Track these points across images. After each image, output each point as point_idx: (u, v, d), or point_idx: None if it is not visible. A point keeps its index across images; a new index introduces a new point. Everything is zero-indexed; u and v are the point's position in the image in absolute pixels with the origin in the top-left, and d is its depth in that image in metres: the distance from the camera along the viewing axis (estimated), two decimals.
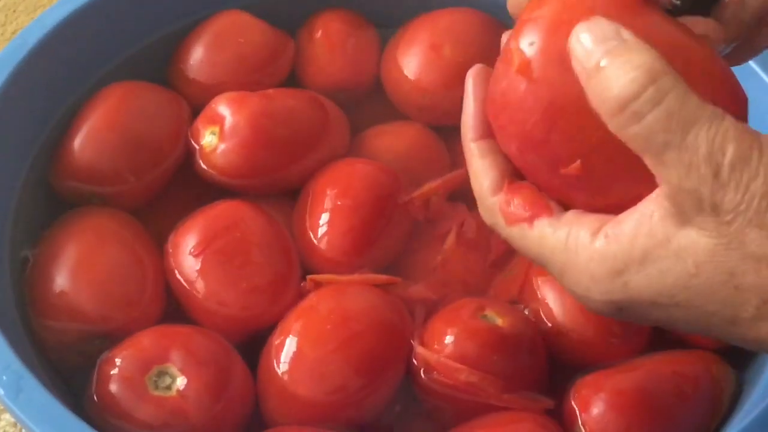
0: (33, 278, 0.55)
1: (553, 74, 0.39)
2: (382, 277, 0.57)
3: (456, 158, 0.63)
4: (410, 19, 0.69)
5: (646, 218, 0.37)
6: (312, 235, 0.58)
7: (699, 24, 0.41)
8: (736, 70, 0.42)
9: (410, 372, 0.54)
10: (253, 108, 0.60)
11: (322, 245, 0.58)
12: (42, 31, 0.61)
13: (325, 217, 0.58)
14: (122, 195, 0.60)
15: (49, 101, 0.62)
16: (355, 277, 0.57)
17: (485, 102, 0.43)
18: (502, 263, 0.59)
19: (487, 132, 0.43)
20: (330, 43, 0.68)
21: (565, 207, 0.42)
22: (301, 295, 0.56)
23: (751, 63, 0.57)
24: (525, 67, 0.40)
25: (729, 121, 0.35)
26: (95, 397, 0.51)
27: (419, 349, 0.53)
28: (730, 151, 0.35)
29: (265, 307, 0.55)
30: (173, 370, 0.51)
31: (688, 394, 0.52)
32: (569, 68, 0.38)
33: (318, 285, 0.56)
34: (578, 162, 0.39)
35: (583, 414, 0.51)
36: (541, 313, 0.56)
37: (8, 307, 0.53)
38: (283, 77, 0.68)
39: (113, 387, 0.50)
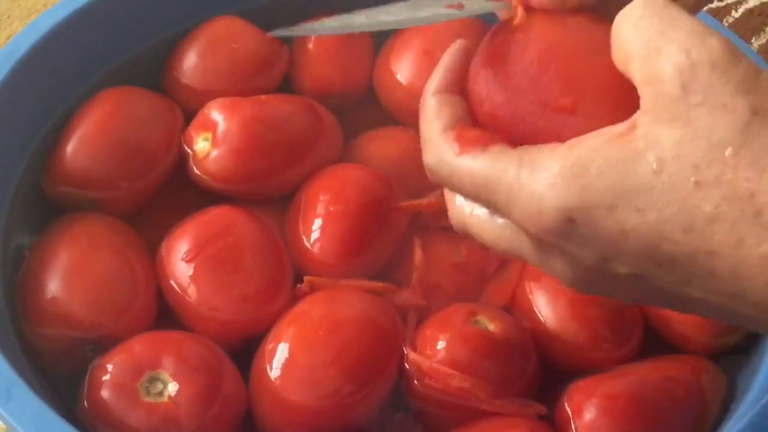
0: (25, 284, 0.55)
1: (548, 24, 0.41)
2: (378, 284, 0.57)
3: None
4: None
5: (608, 131, 0.37)
6: (305, 240, 0.58)
7: None
8: None
9: (402, 377, 0.54)
10: (245, 114, 0.60)
11: (315, 250, 0.58)
12: (35, 37, 0.61)
13: (317, 223, 0.59)
14: (115, 201, 0.60)
15: (42, 107, 0.62)
16: (351, 282, 0.57)
17: (471, 64, 0.43)
18: (495, 271, 0.59)
19: (449, 89, 0.43)
20: (323, 49, 0.68)
21: None
22: (296, 298, 0.56)
23: None
24: (522, 21, 0.41)
25: (714, 35, 0.36)
26: (86, 404, 0.51)
27: (411, 355, 0.53)
28: (712, 38, 0.35)
29: (258, 312, 0.55)
30: (165, 376, 0.51)
31: (679, 399, 0.52)
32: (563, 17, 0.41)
33: (314, 287, 0.56)
34: (571, 99, 0.40)
35: (575, 419, 0.51)
36: (533, 319, 0.56)
37: (0, 313, 0.53)
38: (277, 83, 0.68)
39: (105, 393, 0.50)
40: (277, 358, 0.52)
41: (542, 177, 0.37)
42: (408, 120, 0.66)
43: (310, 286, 0.56)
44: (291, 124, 0.62)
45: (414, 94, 0.65)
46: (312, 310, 0.54)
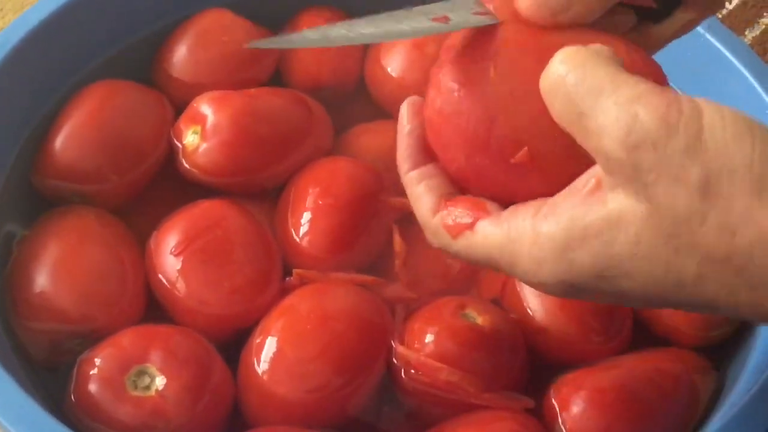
0: (13, 278, 0.55)
1: (481, 77, 0.41)
2: (367, 278, 0.57)
3: None
4: None
5: (578, 192, 0.38)
6: (294, 233, 0.58)
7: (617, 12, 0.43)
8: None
9: (391, 371, 0.53)
10: (235, 107, 0.60)
11: (304, 243, 0.58)
12: (25, 30, 0.61)
13: (307, 216, 0.58)
14: (104, 194, 0.60)
15: (32, 100, 0.62)
16: (340, 275, 0.57)
17: (425, 127, 0.44)
18: None
19: (421, 160, 0.44)
20: None
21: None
22: (285, 292, 0.56)
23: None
24: (456, 77, 0.42)
25: (644, 86, 0.36)
26: (74, 398, 0.51)
27: (400, 349, 0.53)
28: (642, 112, 0.35)
29: (246, 306, 0.55)
30: (152, 370, 0.51)
31: (668, 392, 0.52)
32: (497, 66, 0.41)
33: (304, 280, 0.56)
34: (525, 149, 0.40)
35: (563, 412, 0.51)
36: (522, 312, 0.56)
37: None
38: (267, 76, 0.68)
39: (92, 387, 0.50)
40: (265, 352, 0.52)
41: (532, 256, 0.38)
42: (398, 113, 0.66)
43: (300, 279, 0.56)
44: (281, 118, 0.62)
45: (405, 87, 0.65)
46: (300, 303, 0.54)
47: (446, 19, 0.42)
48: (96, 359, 0.51)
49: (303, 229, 0.58)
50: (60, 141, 0.60)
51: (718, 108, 0.35)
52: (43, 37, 0.62)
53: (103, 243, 0.57)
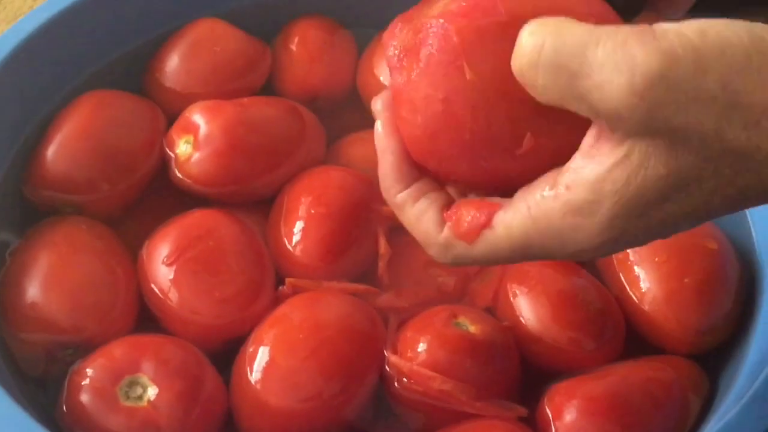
0: (5, 288, 0.55)
1: (456, 81, 0.39)
2: (359, 286, 0.57)
3: None
4: (387, 24, 0.69)
5: (590, 151, 0.37)
6: (287, 242, 0.58)
7: None
8: None
9: (383, 380, 0.53)
10: (227, 117, 0.60)
11: (297, 252, 0.58)
12: (17, 40, 0.61)
13: (299, 225, 0.58)
14: (96, 204, 0.60)
15: (23, 110, 0.62)
16: (333, 284, 0.57)
17: (406, 145, 0.42)
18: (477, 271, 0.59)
19: (410, 179, 0.42)
20: (306, 51, 0.68)
21: None
22: (277, 301, 0.56)
23: None
24: (430, 89, 0.40)
25: (625, 29, 0.35)
26: (65, 408, 0.51)
27: (392, 358, 0.53)
28: (638, 52, 0.34)
29: (239, 315, 0.55)
30: (144, 380, 0.51)
31: (661, 399, 0.52)
32: (469, 63, 0.39)
33: (296, 289, 0.56)
34: (528, 135, 0.39)
35: (556, 421, 0.51)
36: (515, 320, 0.56)
37: None
38: (259, 85, 0.68)
39: (84, 397, 0.50)
40: (258, 361, 0.52)
41: (565, 225, 0.37)
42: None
43: (292, 288, 0.56)
44: (273, 127, 0.62)
45: None
46: (292, 312, 0.54)
47: None
48: (88, 369, 0.51)
49: (295, 238, 0.58)
50: (52, 151, 0.60)
51: (697, 24, 0.35)
52: (35, 48, 0.62)
53: (94, 253, 0.57)
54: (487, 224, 0.39)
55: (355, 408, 0.53)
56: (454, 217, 0.41)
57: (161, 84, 0.65)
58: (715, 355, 0.56)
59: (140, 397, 0.50)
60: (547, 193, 0.38)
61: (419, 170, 0.42)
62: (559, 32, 0.36)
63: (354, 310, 0.55)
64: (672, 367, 0.54)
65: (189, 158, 0.60)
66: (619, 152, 0.36)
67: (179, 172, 0.60)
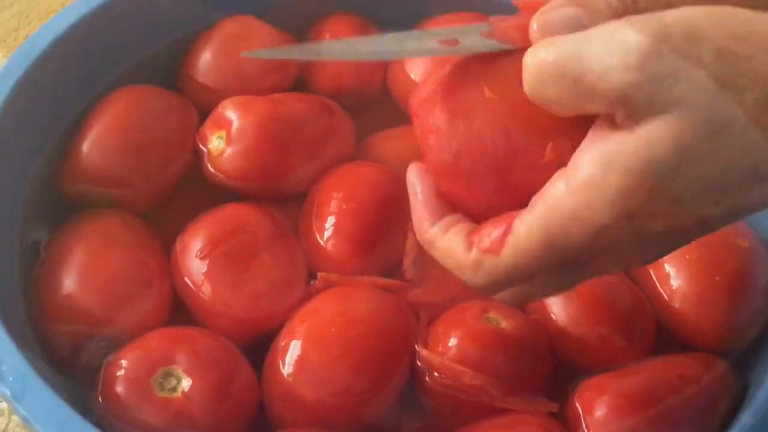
0: (41, 280, 0.56)
1: (476, 103, 0.42)
2: (391, 281, 0.57)
3: None
4: (419, 22, 0.69)
5: (599, 134, 0.38)
6: (318, 237, 0.59)
7: None
8: None
9: (414, 374, 0.54)
10: (259, 112, 0.61)
11: (329, 247, 0.58)
12: (52, 36, 0.62)
13: (331, 220, 0.59)
14: (130, 198, 0.60)
15: (59, 104, 0.62)
16: (365, 278, 0.57)
17: (434, 180, 0.44)
18: None
19: (440, 214, 0.44)
20: None
21: None
22: (310, 295, 0.56)
23: None
24: (450, 115, 0.42)
25: (611, 23, 0.37)
26: (101, 399, 0.51)
27: (423, 352, 0.53)
28: (628, 34, 0.36)
29: (271, 309, 0.56)
30: (178, 371, 0.51)
31: (691, 397, 0.52)
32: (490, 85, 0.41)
33: (328, 284, 0.57)
34: (550, 145, 0.40)
35: (586, 416, 0.51)
36: (545, 316, 0.56)
37: (17, 309, 0.54)
38: (291, 81, 0.68)
39: (119, 388, 0.51)
40: (290, 355, 0.52)
41: (578, 202, 0.38)
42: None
43: (324, 283, 0.57)
44: (305, 123, 0.63)
45: None
46: (324, 307, 0.55)
47: (455, 42, 0.43)
48: (122, 361, 0.52)
49: (327, 233, 0.58)
50: (87, 145, 0.60)
51: (682, 8, 0.36)
52: (69, 44, 0.62)
53: (128, 246, 0.57)
54: (509, 231, 0.40)
55: (385, 402, 0.53)
56: (478, 237, 0.41)
57: (194, 80, 0.66)
58: (745, 353, 0.56)
59: (174, 389, 0.51)
60: (559, 183, 0.39)
61: (449, 206, 0.44)
62: (554, 43, 0.38)
63: (385, 305, 0.55)
64: (702, 364, 0.54)
65: (221, 153, 0.60)
66: (626, 129, 0.37)
67: (212, 167, 0.61)
